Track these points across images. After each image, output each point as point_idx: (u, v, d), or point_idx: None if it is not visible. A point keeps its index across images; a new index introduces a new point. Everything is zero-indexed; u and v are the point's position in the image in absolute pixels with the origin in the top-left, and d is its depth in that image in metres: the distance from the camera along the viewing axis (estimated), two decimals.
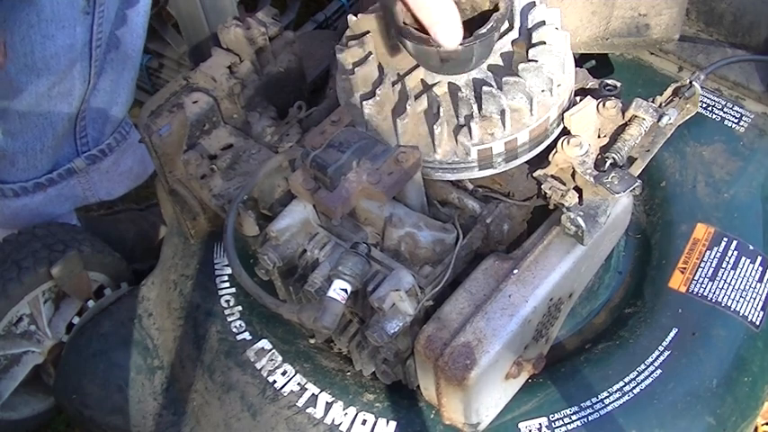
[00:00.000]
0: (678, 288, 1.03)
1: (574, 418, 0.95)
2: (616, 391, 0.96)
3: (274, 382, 1.01)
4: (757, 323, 1.02)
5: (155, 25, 1.66)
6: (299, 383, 1.01)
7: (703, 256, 1.05)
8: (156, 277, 1.18)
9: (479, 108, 0.85)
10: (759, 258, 1.05)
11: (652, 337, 0.99)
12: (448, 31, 0.79)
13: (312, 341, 1.05)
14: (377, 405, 0.98)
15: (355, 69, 0.87)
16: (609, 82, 0.93)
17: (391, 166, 0.83)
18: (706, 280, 1.03)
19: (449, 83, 0.88)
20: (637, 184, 0.86)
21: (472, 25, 0.83)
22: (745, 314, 1.02)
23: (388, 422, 0.97)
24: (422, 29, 0.82)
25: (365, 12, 0.92)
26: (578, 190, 0.88)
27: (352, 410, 0.98)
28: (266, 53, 1.06)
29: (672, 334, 0.99)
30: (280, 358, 1.03)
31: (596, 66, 1.23)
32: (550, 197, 0.88)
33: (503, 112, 0.84)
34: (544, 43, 0.87)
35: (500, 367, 0.85)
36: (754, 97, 1.17)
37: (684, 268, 1.04)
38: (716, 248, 1.06)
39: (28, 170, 1.22)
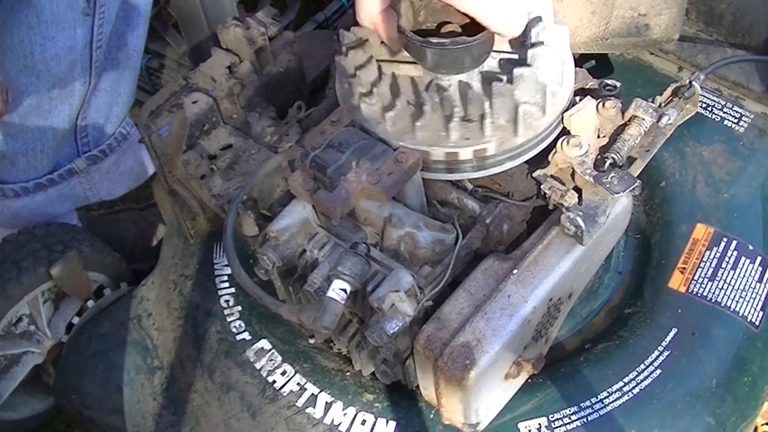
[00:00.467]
0: (678, 288, 1.03)
1: (573, 418, 0.95)
2: (616, 391, 0.96)
3: (274, 382, 1.01)
4: (757, 323, 1.02)
5: (155, 25, 1.66)
6: (298, 383, 1.01)
7: (703, 257, 1.05)
8: (155, 277, 1.18)
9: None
10: (759, 258, 1.05)
11: (652, 337, 0.99)
12: (509, 19, 0.79)
13: (312, 341, 1.05)
14: (376, 405, 0.98)
15: (357, 73, 0.86)
16: (609, 82, 0.93)
17: (391, 166, 0.83)
18: (706, 280, 1.03)
19: (459, 81, 0.88)
20: (636, 184, 0.85)
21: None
22: (745, 314, 1.02)
23: (387, 422, 0.97)
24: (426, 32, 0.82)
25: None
26: (578, 190, 0.88)
27: (351, 410, 0.98)
28: (266, 53, 1.06)
29: (671, 334, 0.99)
30: (279, 358, 1.03)
31: (596, 66, 1.23)
32: (550, 197, 0.88)
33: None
34: (542, 43, 0.87)
35: (499, 367, 0.85)
36: (754, 97, 1.17)
37: (684, 268, 1.04)
38: (716, 248, 1.06)
39: (28, 170, 1.22)
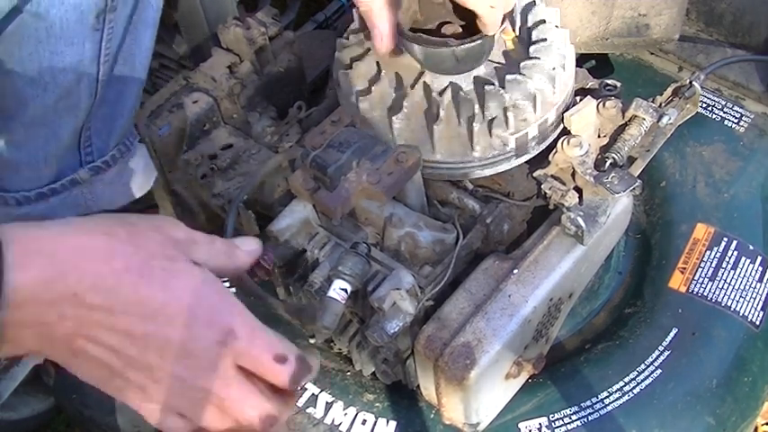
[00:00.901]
0: (678, 288, 1.03)
1: (574, 417, 0.95)
2: (616, 391, 0.96)
3: None
4: (757, 323, 1.02)
5: None
6: None
7: (703, 256, 1.05)
8: None
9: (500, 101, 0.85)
10: (759, 258, 1.05)
11: (652, 337, 0.99)
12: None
13: (312, 341, 1.05)
14: (377, 405, 0.98)
15: (353, 64, 0.87)
16: (609, 82, 0.93)
17: (391, 166, 0.83)
18: (706, 280, 1.03)
19: (451, 83, 0.88)
20: (637, 184, 0.85)
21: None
22: (745, 314, 1.02)
23: (387, 422, 0.97)
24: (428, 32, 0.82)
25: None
26: (578, 190, 0.88)
27: (352, 410, 0.98)
28: (266, 53, 1.06)
29: (672, 334, 0.99)
30: None
31: (596, 66, 1.23)
32: (550, 197, 0.88)
33: (534, 97, 0.85)
34: (545, 40, 0.87)
35: (500, 367, 0.85)
36: (754, 97, 1.17)
37: (684, 268, 1.04)
38: (716, 248, 1.06)
39: (31, 180, 1.22)
